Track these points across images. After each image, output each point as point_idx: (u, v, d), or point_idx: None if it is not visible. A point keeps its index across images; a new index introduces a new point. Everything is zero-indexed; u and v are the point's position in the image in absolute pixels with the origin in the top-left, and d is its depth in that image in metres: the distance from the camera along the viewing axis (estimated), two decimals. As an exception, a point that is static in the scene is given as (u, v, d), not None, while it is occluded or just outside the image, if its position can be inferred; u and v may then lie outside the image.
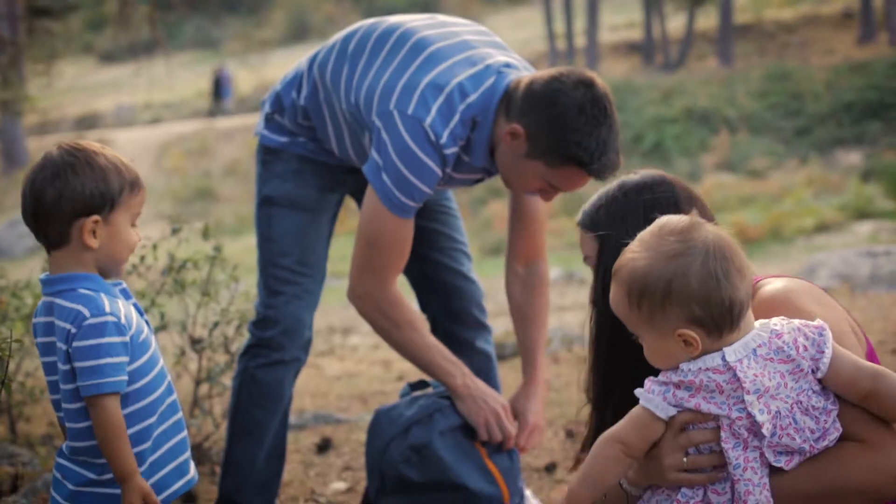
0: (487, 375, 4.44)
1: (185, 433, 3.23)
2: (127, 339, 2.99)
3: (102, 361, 2.92)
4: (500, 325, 10.95)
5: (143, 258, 5.15)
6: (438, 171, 3.83)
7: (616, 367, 2.99)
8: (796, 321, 2.56)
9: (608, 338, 2.98)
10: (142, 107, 47.30)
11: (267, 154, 4.33)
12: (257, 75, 44.00)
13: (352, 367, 9.47)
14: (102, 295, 3.00)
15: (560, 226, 24.11)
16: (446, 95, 3.78)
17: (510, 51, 4.08)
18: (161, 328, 5.26)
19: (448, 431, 3.94)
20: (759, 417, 2.46)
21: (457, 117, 3.79)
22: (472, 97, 3.80)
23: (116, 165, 3.09)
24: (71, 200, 2.99)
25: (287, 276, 4.17)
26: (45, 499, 4.45)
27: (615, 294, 2.60)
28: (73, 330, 2.93)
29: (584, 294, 15.32)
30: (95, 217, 3.01)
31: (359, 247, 3.95)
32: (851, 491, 2.51)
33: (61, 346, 2.96)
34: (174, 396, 3.20)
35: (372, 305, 3.99)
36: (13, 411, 5.98)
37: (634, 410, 2.60)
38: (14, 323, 5.40)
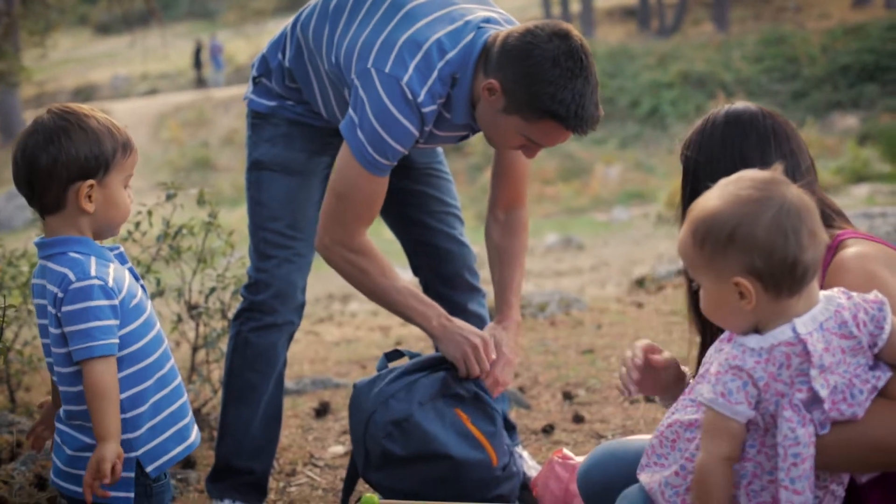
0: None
1: (185, 398, 3.23)
2: (115, 302, 2.96)
3: (91, 325, 2.91)
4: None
5: (138, 225, 5.15)
6: (415, 130, 3.79)
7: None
8: (856, 296, 2.50)
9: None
10: (138, 78, 47.21)
11: (256, 118, 4.32)
12: (253, 45, 43.91)
13: (350, 334, 9.49)
14: (92, 258, 2.97)
15: (557, 191, 24.18)
16: (424, 52, 3.74)
17: (493, 5, 4.04)
18: (157, 295, 5.27)
19: (428, 401, 3.89)
20: (822, 392, 2.41)
21: (434, 74, 3.74)
22: (451, 54, 3.75)
23: (108, 128, 3.05)
24: (66, 165, 2.96)
25: (278, 239, 4.16)
26: (44, 466, 4.47)
27: (683, 233, 2.55)
28: (60, 294, 2.92)
29: (581, 259, 15.37)
30: (91, 181, 2.98)
31: (329, 200, 3.93)
32: (871, 446, 2.47)
33: (51, 309, 2.95)
34: (172, 362, 3.19)
35: (338, 255, 3.96)
36: (12, 380, 5.99)
37: (718, 422, 2.48)
38: (11, 291, 5.40)
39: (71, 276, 2.92)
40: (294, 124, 4.21)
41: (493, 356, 3.98)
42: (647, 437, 2.98)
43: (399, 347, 4.28)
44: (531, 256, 15.19)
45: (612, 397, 5.77)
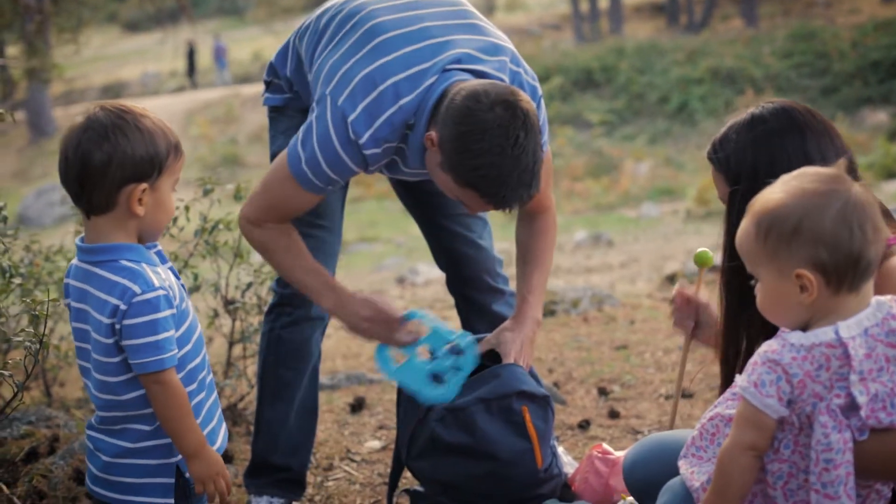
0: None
1: (215, 397, 3.26)
2: (175, 310, 2.96)
3: (160, 337, 2.90)
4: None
5: (175, 220, 5.16)
6: (354, 167, 3.70)
7: (746, 322, 3.02)
8: None
9: (738, 292, 3.01)
10: (167, 75, 47.33)
11: (273, 112, 4.33)
12: (281, 41, 43.95)
13: (382, 330, 9.48)
14: (145, 266, 2.94)
15: (586, 188, 24.11)
16: (378, 94, 3.61)
17: (485, 31, 3.87)
18: (194, 290, 5.29)
19: (494, 399, 3.85)
20: (860, 399, 2.39)
21: (382, 118, 3.61)
22: (405, 100, 3.61)
23: (161, 128, 3.00)
24: (121, 165, 2.90)
25: (303, 229, 4.09)
26: (81, 460, 4.49)
27: (744, 226, 2.53)
28: (123, 306, 2.88)
29: (611, 256, 15.34)
30: (144, 185, 2.93)
31: (257, 188, 3.89)
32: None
33: (103, 319, 2.91)
34: (205, 362, 3.20)
35: (248, 230, 3.93)
36: (48, 375, 6.03)
37: (748, 412, 2.48)
38: (49, 287, 5.42)
39: (136, 288, 2.88)
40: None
41: (395, 313, 3.90)
42: (690, 430, 2.98)
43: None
44: (560, 253, 15.15)
45: (648, 393, 5.77)
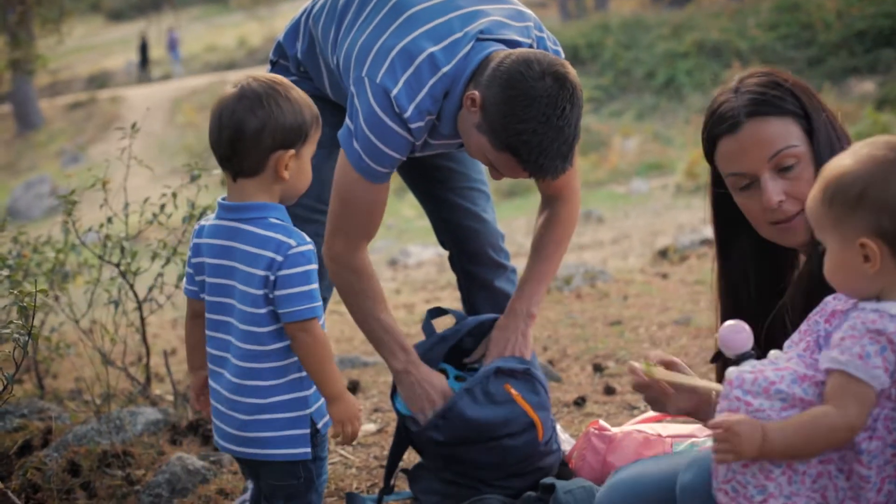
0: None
1: None
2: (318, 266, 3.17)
3: (313, 287, 3.09)
4: (521, 264, 10.95)
5: (163, 207, 5.14)
6: (409, 137, 3.71)
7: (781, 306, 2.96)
8: None
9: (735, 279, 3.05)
10: (152, 63, 47.24)
11: None
12: (266, 27, 43.96)
13: (375, 312, 9.46)
14: (291, 225, 3.17)
15: (577, 164, 24.07)
16: (416, 67, 3.62)
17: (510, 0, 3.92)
18: (183, 277, 5.27)
19: (476, 385, 3.86)
20: None
21: (425, 91, 3.63)
22: (445, 69, 3.63)
23: (306, 100, 3.20)
24: (273, 132, 3.09)
25: (307, 214, 4.09)
26: (75, 452, 4.47)
27: (812, 192, 2.46)
28: (279, 258, 3.07)
29: (602, 232, 15.34)
30: (292, 151, 3.13)
31: (333, 208, 3.86)
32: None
33: (256, 271, 3.08)
34: None
35: (340, 269, 3.91)
36: (40, 367, 6.00)
37: (852, 388, 2.34)
38: (37, 278, 5.39)
39: (291, 241, 3.08)
40: (316, 99, 4.16)
41: (439, 401, 3.90)
42: (669, 461, 2.95)
43: (441, 306, 4.27)
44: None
45: (643, 368, 5.75)
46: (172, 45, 44.75)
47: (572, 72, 3.54)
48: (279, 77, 3.20)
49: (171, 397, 5.55)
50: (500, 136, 3.49)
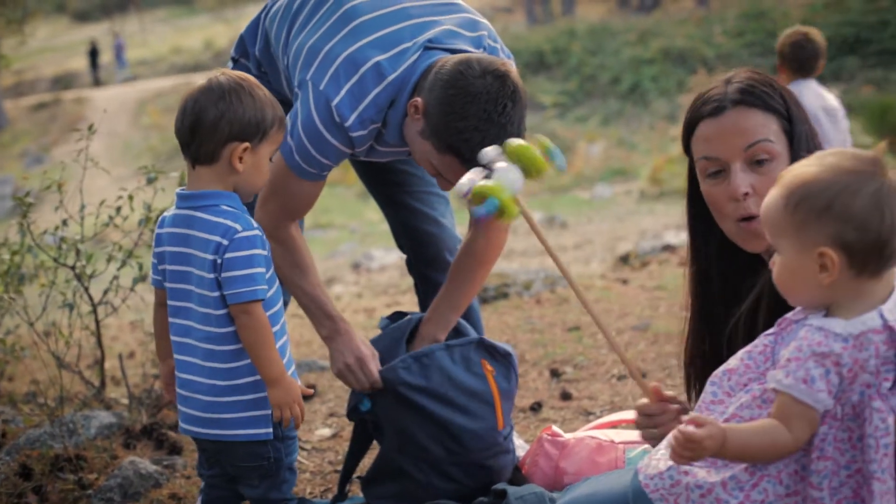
0: (468, 316, 4.37)
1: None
2: (267, 252, 3.30)
3: (255, 271, 3.22)
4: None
5: (119, 210, 5.12)
6: (344, 148, 3.70)
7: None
8: None
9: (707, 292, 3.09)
10: (117, 64, 47.06)
11: None
12: (232, 29, 43.80)
13: (335, 316, 9.44)
14: (244, 213, 3.29)
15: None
16: (360, 76, 3.61)
17: (463, 8, 3.89)
18: (140, 280, 5.24)
19: (457, 346, 3.89)
20: None
21: (368, 99, 3.61)
22: (391, 77, 3.62)
23: (272, 100, 3.32)
24: (230, 122, 3.23)
25: None
26: (28, 455, 4.44)
27: (771, 197, 2.45)
28: (225, 242, 3.21)
29: (565, 237, 15.35)
30: (247, 144, 3.25)
31: (265, 187, 3.75)
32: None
33: (207, 255, 3.22)
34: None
35: (267, 239, 3.87)
36: (-5, 369, 5.96)
37: (797, 410, 2.37)
38: (-7, 279, 5.36)
39: (237, 226, 3.21)
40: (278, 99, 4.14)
41: (375, 373, 3.84)
42: (619, 477, 2.95)
43: (402, 310, 4.26)
44: (514, 235, 15.15)
45: (600, 374, 5.76)
46: (118, 52, 44.92)
47: (514, 71, 3.53)
48: (249, 76, 3.31)
49: (125, 401, 5.52)
50: (441, 137, 3.50)
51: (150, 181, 5.08)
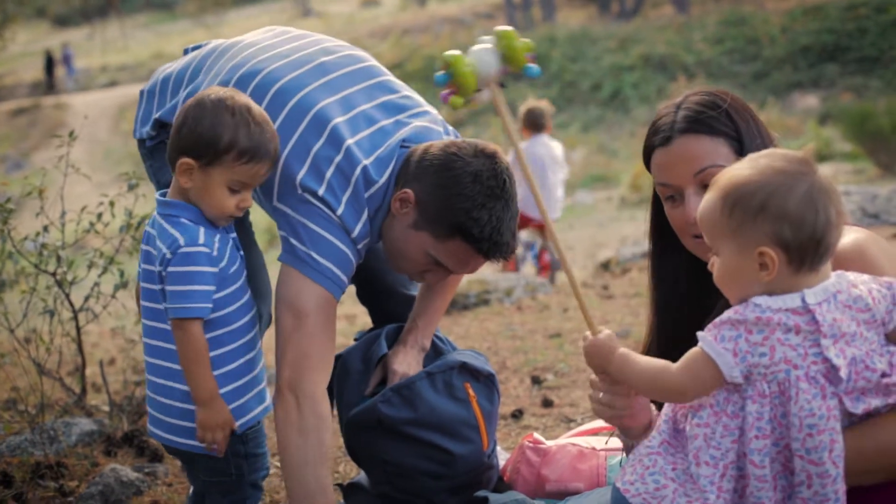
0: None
1: (263, 363, 3.45)
2: (216, 269, 3.20)
3: (191, 288, 3.14)
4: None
5: (100, 216, 5.11)
6: (353, 258, 3.50)
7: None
8: (865, 275, 2.52)
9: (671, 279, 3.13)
10: (97, 70, 47.00)
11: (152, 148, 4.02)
12: (212, 34, 43.72)
13: (315, 323, 9.42)
14: (202, 228, 3.19)
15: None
16: (353, 185, 3.43)
17: (409, 98, 3.74)
18: (121, 286, 5.23)
19: (438, 372, 3.82)
20: (836, 361, 2.39)
21: (365, 212, 3.46)
22: (376, 186, 3.46)
23: (247, 128, 3.15)
24: (184, 136, 3.16)
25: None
26: (8, 463, 4.42)
27: (708, 201, 2.52)
28: (169, 255, 3.14)
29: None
30: (189, 160, 3.15)
31: (279, 336, 3.48)
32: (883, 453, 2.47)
33: (156, 268, 3.19)
34: (256, 329, 3.41)
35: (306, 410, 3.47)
36: (-26, 376, 5.94)
37: (699, 360, 2.47)
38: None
39: (181, 240, 3.14)
40: None
41: None
42: (599, 497, 2.97)
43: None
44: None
45: (581, 381, 5.76)
46: (67, 61, 45.00)
47: (500, 151, 3.48)
48: (244, 100, 3.20)
49: (106, 408, 5.51)
50: (444, 221, 3.38)
51: (132, 187, 5.07)
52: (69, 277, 5.21)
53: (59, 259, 5.20)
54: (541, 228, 10.66)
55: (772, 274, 2.42)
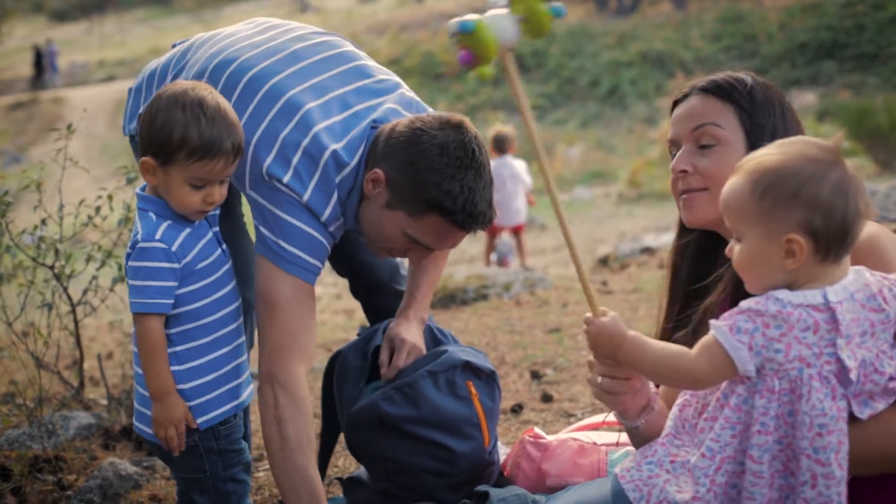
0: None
1: (244, 358, 3.39)
2: (176, 265, 3.14)
3: (145, 283, 3.10)
4: (461, 270, 10.93)
5: (98, 210, 5.09)
6: (327, 245, 3.52)
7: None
8: (878, 274, 2.50)
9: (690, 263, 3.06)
10: (95, 65, 46.95)
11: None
12: (210, 30, 43.69)
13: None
14: (166, 223, 3.15)
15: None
16: (321, 170, 3.41)
17: (384, 82, 3.72)
18: (119, 280, 5.21)
19: (440, 371, 3.79)
20: (848, 362, 2.36)
21: (335, 195, 3.45)
22: (348, 168, 3.44)
23: (197, 125, 3.08)
24: (142, 134, 3.13)
25: None
26: (6, 456, 4.41)
27: (734, 184, 2.47)
28: (129, 249, 3.15)
29: (544, 239, 15.35)
30: (148, 159, 3.12)
31: (259, 318, 3.52)
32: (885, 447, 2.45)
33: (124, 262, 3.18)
34: (238, 323, 3.36)
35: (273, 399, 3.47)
36: (-28, 370, 5.93)
37: (713, 349, 2.43)
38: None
39: (140, 235, 3.12)
40: None
41: None
42: (600, 487, 2.95)
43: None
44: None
45: (581, 376, 5.75)
46: (51, 58, 44.99)
47: (467, 120, 3.44)
48: (203, 92, 3.13)
49: (104, 401, 5.50)
50: (417, 197, 3.36)
51: (130, 181, 5.06)
52: (67, 271, 5.20)
53: (57, 252, 5.19)
54: (516, 232, 12.43)
55: (798, 262, 2.38)
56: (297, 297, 3.45)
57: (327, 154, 3.41)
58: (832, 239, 2.37)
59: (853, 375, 2.37)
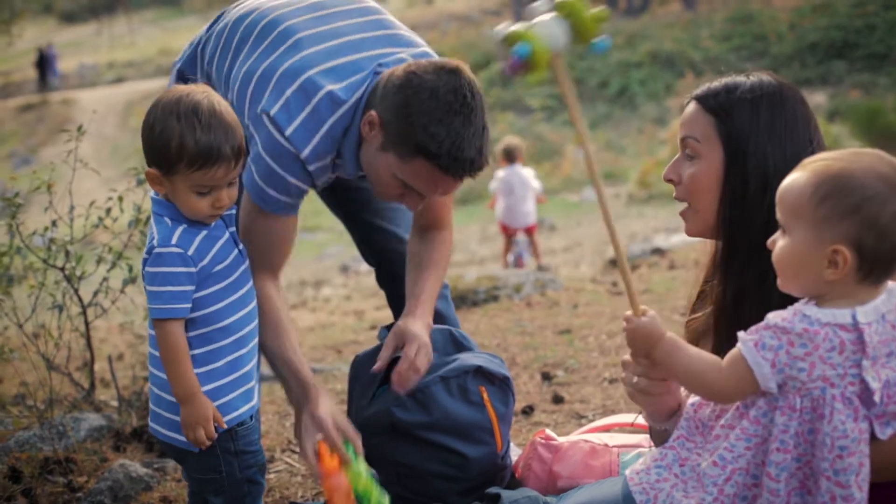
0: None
1: (254, 361, 3.39)
2: (193, 269, 3.14)
3: (163, 289, 3.10)
4: (472, 271, 10.93)
5: (109, 211, 5.09)
6: (302, 185, 3.57)
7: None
8: None
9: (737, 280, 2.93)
10: (105, 66, 47.01)
11: None
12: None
13: (324, 318, 9.44)
14: (181, 227, 3.15)
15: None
16: (314, 106, 3.47)
17: (402, 36, 3.78)
18: (130, 282, 5.21)
19: (453, 377, 3.79)
20: (872, 384, 2.34)
21: (323, 130, 3.48)
22: (345, 107, 3.49)
23: (194, 133, 3.07)
24: (144, 144, 3.14)
25: None
26: (17, 458, 4.41)
27: (797, 180, 2.43)
28: (146, 255, 3.14)
29: (554, 240, 15.33)
30: (152, 171, 3.13)
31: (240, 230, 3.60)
32: None
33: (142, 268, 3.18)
34: (253, 325, 3.36)
35: None
36: (-18, 371, 5.94)
37: (739, 363, 2.44)
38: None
39: (156, 241, 3.11)
40: None
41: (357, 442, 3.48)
42: (612, 487, 2.94)
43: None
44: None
45: (592, 377, 5.74)
46: (50, 61, 45.04)
47: (465, 66, 3.44)
48: (196, 96, 3.14)
49: (115, 403, 5.50)
50: (406, 140, 3.35)
51: (140, 182, 5.06)
52: (78, 272, 5.20)
53: (67, 254, 5.18)
54: (528, 232, 12.75)
55: (839, 274, 2.36)
56: (263, 224, 3.58)
57: (322, 93, 3.48)
58: (879, 261, 2.35)
59: (877, 397, 2.35)
